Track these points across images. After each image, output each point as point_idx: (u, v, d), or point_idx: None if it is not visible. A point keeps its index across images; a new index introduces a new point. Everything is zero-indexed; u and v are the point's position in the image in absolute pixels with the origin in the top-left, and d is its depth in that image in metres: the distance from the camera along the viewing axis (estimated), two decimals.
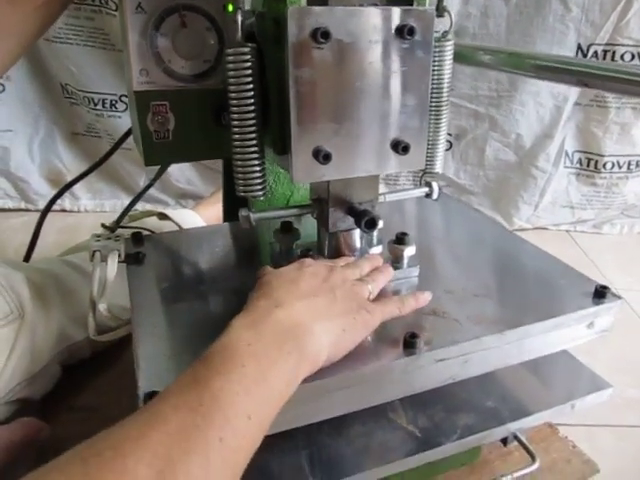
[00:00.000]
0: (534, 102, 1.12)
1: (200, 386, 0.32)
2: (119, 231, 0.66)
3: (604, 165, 1.16)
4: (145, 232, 0.65)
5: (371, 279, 0.48)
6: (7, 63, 0.54)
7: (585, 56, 1.09)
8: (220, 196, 1.05)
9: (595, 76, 0.43)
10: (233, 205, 0.77)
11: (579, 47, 1.09)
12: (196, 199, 1.27)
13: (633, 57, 1.07)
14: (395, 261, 0.55)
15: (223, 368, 0.34)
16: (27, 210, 1.33)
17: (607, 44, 1.08)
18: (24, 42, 0.53)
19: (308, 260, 0.48)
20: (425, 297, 0.49)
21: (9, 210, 1.33)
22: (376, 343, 0.45)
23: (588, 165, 1.17)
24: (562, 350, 0.54)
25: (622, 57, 1.08)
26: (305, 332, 0.39)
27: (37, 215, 0.80)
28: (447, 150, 1.20)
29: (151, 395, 0.37)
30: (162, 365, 0.42)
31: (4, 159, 1.28)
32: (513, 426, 0.51)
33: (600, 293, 0.51)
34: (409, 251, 0.54)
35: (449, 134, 1.18)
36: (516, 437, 0.53)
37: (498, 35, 1.11)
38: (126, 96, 1.23)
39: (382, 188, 1.21)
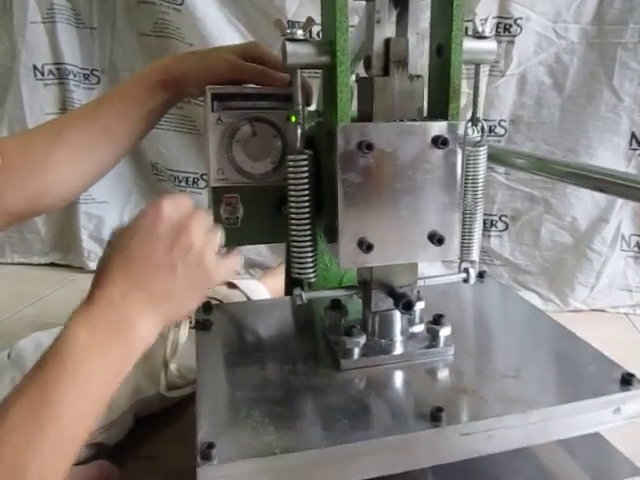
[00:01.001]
0: None
1: (40, 396, 0.40)
2: None
3: None
4: (214, 301, 0.74)
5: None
6: (113, 163, 0.66)
7: (639, 143, 1.13)
8: (284, 268, 1.15)
9: (609, 183, 0.48)
10: (293, 281, 0.86)
11: (633, 135, 1.13)
12: (264, 269, 1.37)
13: None
14: (432, 340, 0.60)
15: (59, 376, 0.41)
16: None
17: None
18: (130, 146, 0.65)
19: (163, 213, 0.48)
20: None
21: None
22: (406, 414, 0.50)
23: None
24: (595, 433, 0.57)
25: None
26: (136, 326, 0.45)
27: None
28: (503, 231, 1.24)
29: (208, 446, 0.44)
30: (219, 420, 0.49)
31: (98, 227, 1.44)
32: None
33: (627, 380, 0.54)
34: (445, 331, 0.59)
35: (505, 215, 1.23)
36: None
37: (552, 123, 1.17)
38: (206, 174, 1.38)
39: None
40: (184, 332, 0.63)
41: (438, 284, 0.64)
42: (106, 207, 1.44)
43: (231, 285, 1.03)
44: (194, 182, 1.38)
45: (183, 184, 1.38)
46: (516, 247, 1.24)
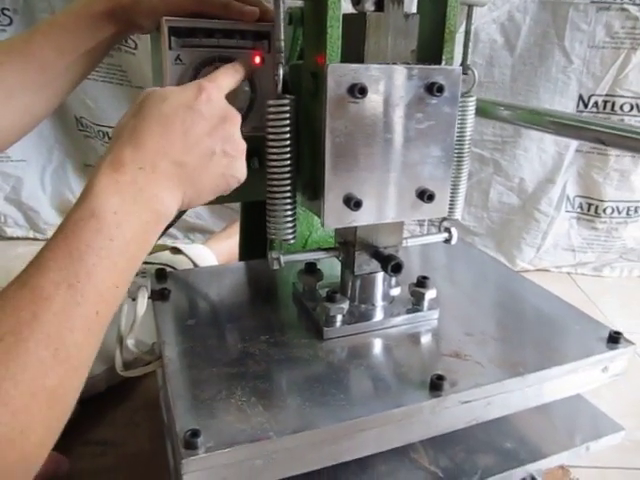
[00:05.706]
0: (537, 148, 1.16)
1: (75, 262, 0.36)
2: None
3: (604, 210, 1.19)
4: (168, 269, 0.66)
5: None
6: (49, 110, 0.57)
7: (586, 106, 1.14)
8: (232, 231, 1.08)
9: (613, 135, 0.46)
10: (251, 245, 0.79)
11: (580, 97, 1.13)
12: (204, 233, 1.29)
13: (632, 108, 1.12)
14: (416, 303, 0.57)
15: (94, 242, 0.36)
16: (35, 239, 1.34)
17: (607, 95, 1.13)
18: (69, 86, 0.56)
19: (211, 94, 0.43)
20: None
21: (17, 239, 1.34)
22: (403, 384, 0.46)
23: (589, 210, 1.21)
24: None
25: (621, 107, 1.13)
26: (164, 201, 0.41)
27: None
28: None
29: (192, 433, 0.38)
30: (198, 403, 0.43)
31: (16, 188, 1.30)
32: (531, 467, 0.53)
33: (614, 338, 0.53)
34: (430, 294, 0.56)
35: None
36: (533, 478, 0.54)
37: (503, 83, 1.15)
38: None
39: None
40: (142, 303, 0.56)
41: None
42: (24, 166, 1.29)
43: (175, 250, 0.95)
44: None
45: None
46: (465, 208, 1.23)
